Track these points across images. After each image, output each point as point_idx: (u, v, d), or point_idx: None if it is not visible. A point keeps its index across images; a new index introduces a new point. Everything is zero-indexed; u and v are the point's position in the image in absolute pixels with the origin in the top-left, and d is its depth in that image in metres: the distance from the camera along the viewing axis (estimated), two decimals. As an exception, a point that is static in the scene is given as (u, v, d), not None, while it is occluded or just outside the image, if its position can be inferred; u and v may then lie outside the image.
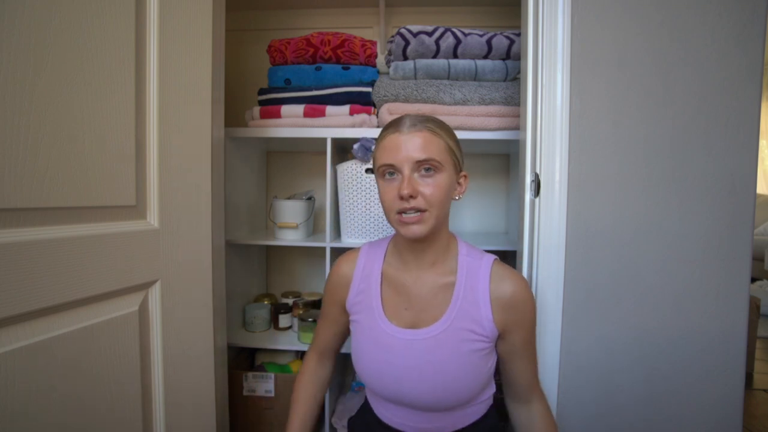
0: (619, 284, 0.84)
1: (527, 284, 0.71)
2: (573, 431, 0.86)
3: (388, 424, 0.73)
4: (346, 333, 0.82)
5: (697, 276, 0.82)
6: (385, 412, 0.74)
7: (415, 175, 0.64)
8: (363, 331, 0.73)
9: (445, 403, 0.68)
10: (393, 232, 1.23)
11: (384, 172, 0.66)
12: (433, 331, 0.67)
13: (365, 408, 0.81)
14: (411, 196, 0.62)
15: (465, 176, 0.72)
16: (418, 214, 0.64)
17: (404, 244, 0.71)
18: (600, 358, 0.85)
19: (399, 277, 0.73)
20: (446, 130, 0.68)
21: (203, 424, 0.81)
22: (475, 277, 0.69)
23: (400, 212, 0.64)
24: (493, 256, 0.73)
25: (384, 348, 0.69)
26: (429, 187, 0.63)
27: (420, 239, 0.66)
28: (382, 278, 0.74)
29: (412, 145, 0.63)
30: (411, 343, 0.67)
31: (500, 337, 0.70)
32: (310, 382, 0.83)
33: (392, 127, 0.67)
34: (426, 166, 0.64)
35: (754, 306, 1.99)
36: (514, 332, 0.69)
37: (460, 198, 0.71)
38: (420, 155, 0.63)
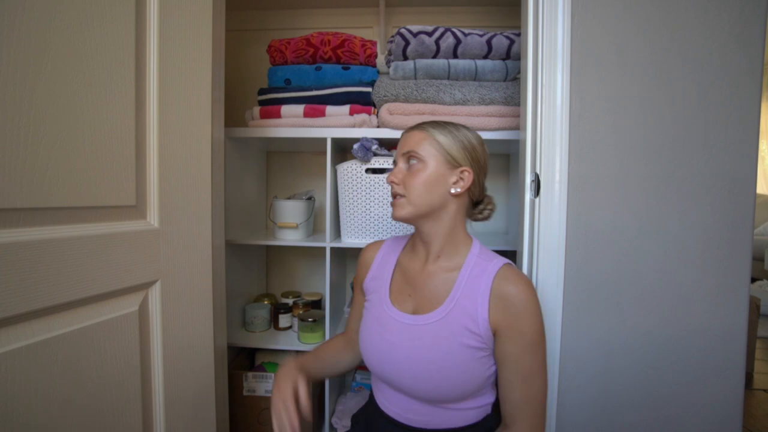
0: (619, 284, 0.84)
1: (533, 290, 0.69)
2: (573, 431, 0.86)
3: (387, 414, 0.75)
4: None
5: (697, 276, 0.82)
6: (384, 401, 0.76)
7: (404, 166, 0.74)
8: (370, 312, 0.79)
9: (435, 394, 0.68)
10: (397, 232, 1.25)
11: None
12: (429, 319, 0.70)
13: (369, 401, 0.83)
14: (392, 182, 0.73)
15: (466, 171, 0.72)
16: (397, 198, 0.73)
17: (416, 235, 0.79)
18: (600, 358, 0.85)
19: (409, 265, 0.79)
20: (442, 131, 0.73)
21: (203, 424, 0.81)
22: (479, 275, 0.70)
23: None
24: (506, 260, 0.73)
25: (384, 328, 0.74)
26: (408, 175, 0.72)
27: (409, 223, 0.75)
28: (396, 266, 0.81)
29: (403, 141, 0.75)
30: (407, 326, 0.71)
31: (496, 341, 0.69)
32: (336, 345, 0.88)
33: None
34: (409, 157, 0.73)
35: (754, 306, 1.99)
36: (507, 336, 0.67)
37: (459, 192, 0.72)
38: (404, 149, 0.73)
